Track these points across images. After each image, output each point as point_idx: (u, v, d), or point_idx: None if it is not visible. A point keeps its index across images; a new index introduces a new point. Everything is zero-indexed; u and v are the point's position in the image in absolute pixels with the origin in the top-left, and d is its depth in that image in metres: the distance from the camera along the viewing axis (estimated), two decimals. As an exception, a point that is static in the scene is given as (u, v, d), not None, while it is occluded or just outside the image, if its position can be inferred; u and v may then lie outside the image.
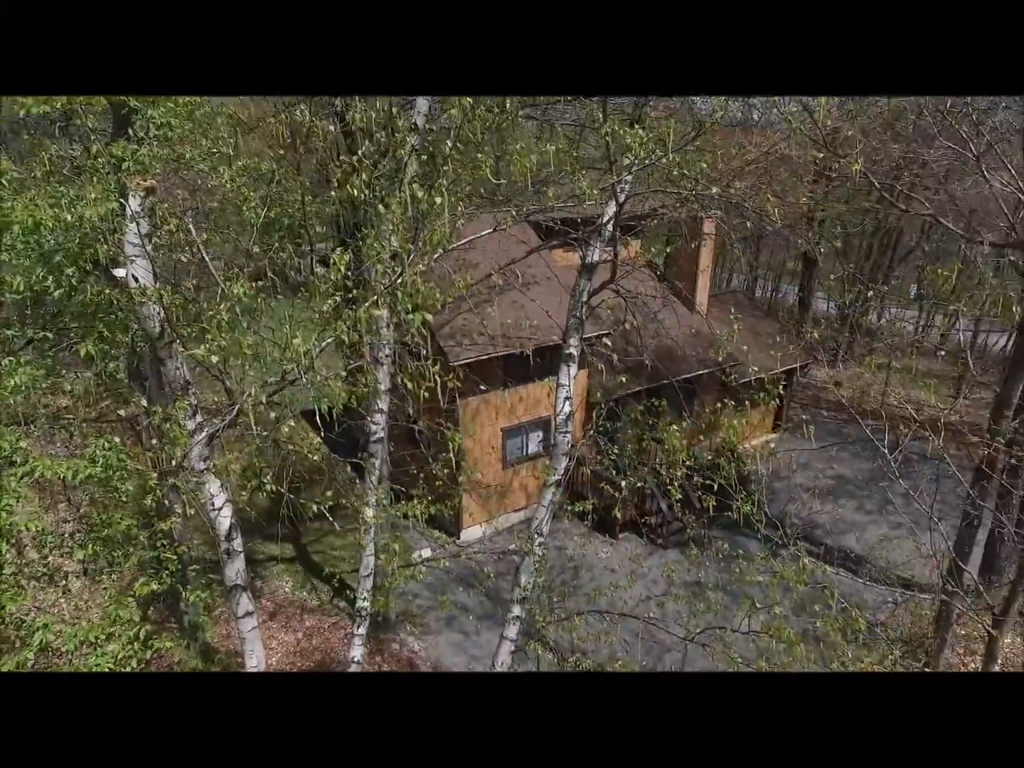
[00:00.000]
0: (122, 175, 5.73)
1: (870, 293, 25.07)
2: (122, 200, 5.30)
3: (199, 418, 3.87)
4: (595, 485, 14.73)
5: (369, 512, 4.97)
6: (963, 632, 11.48)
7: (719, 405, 13.65)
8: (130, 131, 6.64)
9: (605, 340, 5.17)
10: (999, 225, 15.55)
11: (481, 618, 11.70)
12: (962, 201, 16.55)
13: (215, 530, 3.81)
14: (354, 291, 4.30)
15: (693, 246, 16.24)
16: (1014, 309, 9.62)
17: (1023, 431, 6.79)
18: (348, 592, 12.38)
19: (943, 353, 23.06)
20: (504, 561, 13.28)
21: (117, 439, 4.39)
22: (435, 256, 4.16)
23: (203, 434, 3.88)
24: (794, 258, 26.83)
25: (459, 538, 14.02)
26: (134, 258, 5.08)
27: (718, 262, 24.97)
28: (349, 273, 4.06)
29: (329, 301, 3.96)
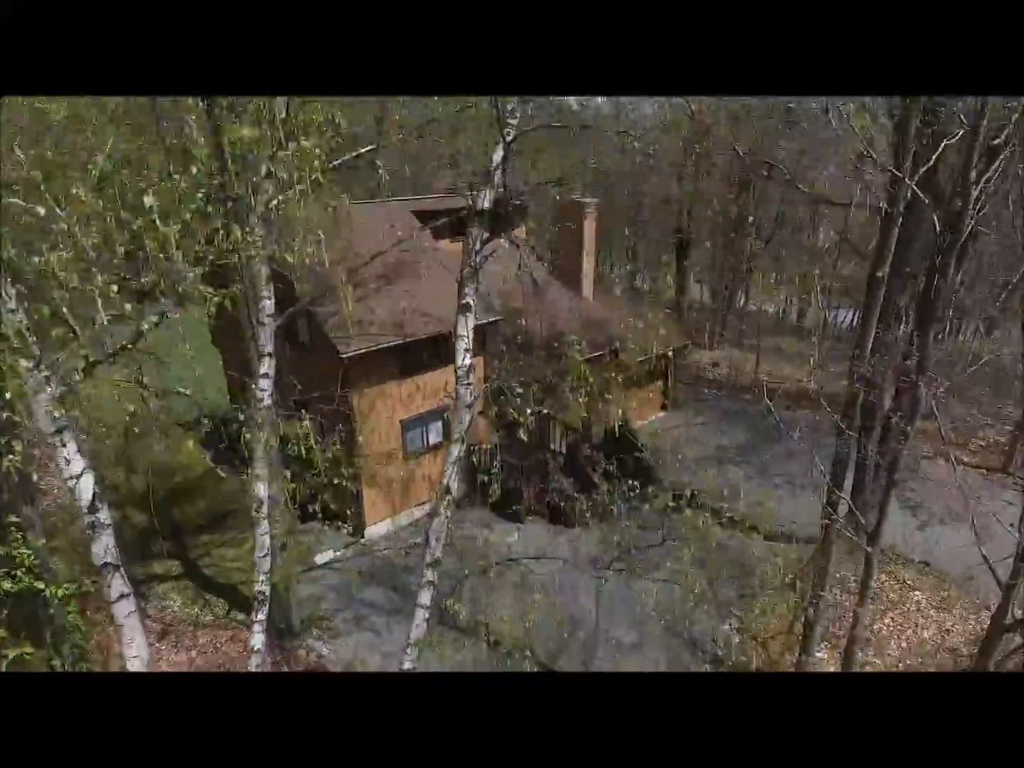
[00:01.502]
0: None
1: (745, 287, 27.26)
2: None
3: (44, 371, 3.29)
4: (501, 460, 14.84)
5: (260, 487, 4.64)
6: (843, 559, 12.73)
7: (608, 382, 14.26)
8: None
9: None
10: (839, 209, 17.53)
11: (391, 613, 11.42)
12: (808, 188, 18.42)
13: (76, 502, 3.34)
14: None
15: (574, 235, 16.84)
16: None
17: (877, 370, 7.69)
18: (246, 603, 11.66)
19: (814, 338, 25.38)
20: (412, 556, 13.04)
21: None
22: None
23: (52, 386, 3.27)
24: (669, 251, 28.54)
25: (363, 536, 13.60)
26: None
27: (600, 257, 26.00)
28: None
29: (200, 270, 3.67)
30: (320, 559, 13.07)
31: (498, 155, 3.96)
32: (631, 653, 10.91)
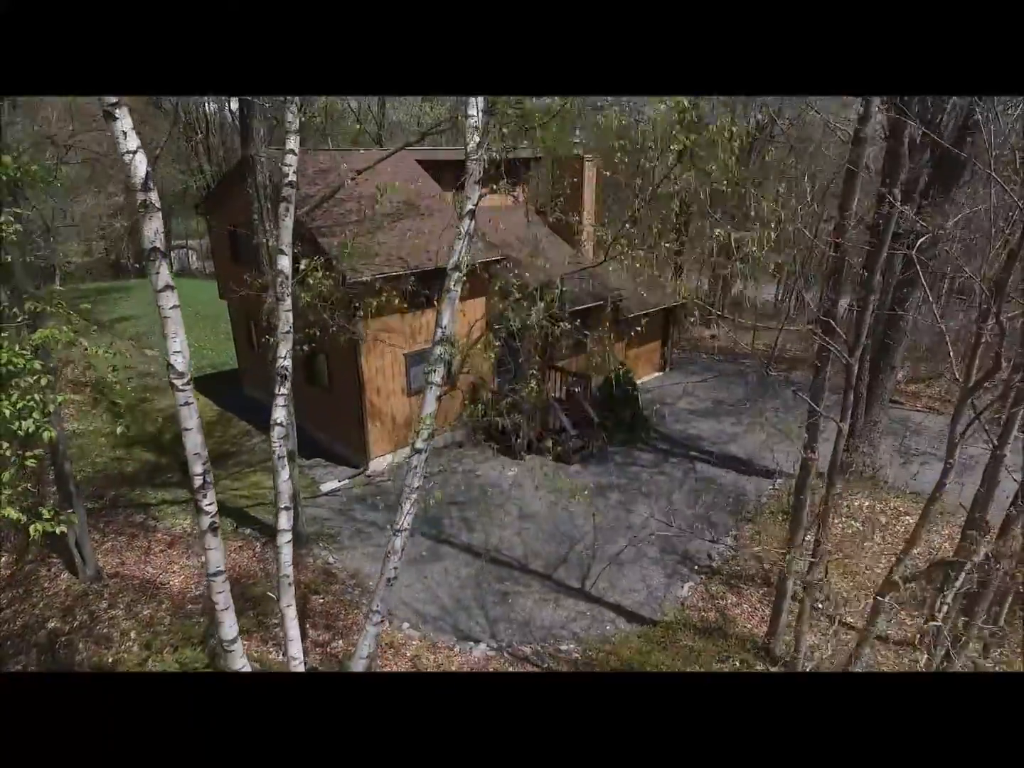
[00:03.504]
0: None
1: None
2: None
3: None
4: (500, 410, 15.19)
5: (284, 261, 4.86)
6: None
7: (611, 335, 14.65)
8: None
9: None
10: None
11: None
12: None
13: (131, 178, 3.66)
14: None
15: (574, 190, 17.28)
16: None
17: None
18: (251, 520, 12.02)
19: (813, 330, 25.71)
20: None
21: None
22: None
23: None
24: (669, 229, 28.89)
25: (367, 469, 13.94)
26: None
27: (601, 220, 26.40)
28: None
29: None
30: (325, 487, 13.43)
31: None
32: (627, 566, 11.20)
